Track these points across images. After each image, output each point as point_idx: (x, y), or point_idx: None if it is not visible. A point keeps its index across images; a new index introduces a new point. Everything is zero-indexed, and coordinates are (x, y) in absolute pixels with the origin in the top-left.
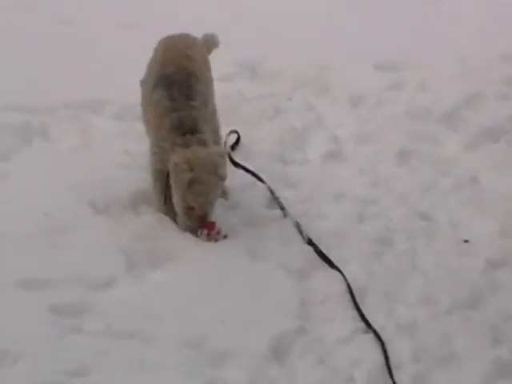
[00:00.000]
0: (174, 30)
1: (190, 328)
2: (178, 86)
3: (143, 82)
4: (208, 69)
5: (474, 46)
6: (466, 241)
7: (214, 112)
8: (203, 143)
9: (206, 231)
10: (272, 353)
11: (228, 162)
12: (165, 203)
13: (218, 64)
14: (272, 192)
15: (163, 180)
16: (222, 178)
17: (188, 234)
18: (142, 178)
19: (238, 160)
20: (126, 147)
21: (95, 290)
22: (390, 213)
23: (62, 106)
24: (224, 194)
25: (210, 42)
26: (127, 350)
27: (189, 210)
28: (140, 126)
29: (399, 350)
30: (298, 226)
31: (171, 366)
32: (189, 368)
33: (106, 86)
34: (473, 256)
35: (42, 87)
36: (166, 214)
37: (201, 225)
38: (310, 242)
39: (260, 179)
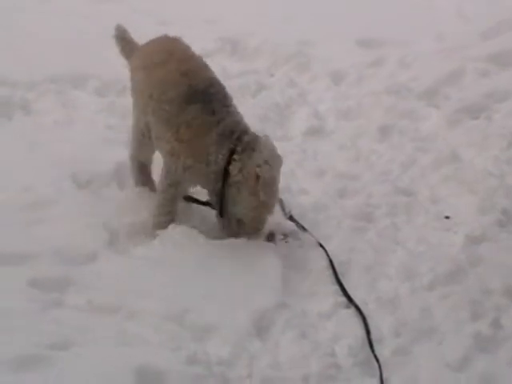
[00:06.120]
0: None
1: (173, 303)
2: (217, 99)
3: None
4: None
5: (453, 23)
6: (447, 217)
7: None
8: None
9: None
10: (254, 327)
11: None
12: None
13: (201, 40)
14: None
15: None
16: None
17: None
18: (124, 154)
19: None
20: (109, 122)
21: (77, 265)
22: (371, 188)
23: (43, 80)
24: None
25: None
26: (109, 325)
27: (261, 208)
28: (122, 102)
29: (380, 325)
30: (280, 202)
31: (154, 341)
32: (171, 343)
33: (89, 62)
34: (453, 232)
35: (23, 62)
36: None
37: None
38: (292, 218)
39: None
